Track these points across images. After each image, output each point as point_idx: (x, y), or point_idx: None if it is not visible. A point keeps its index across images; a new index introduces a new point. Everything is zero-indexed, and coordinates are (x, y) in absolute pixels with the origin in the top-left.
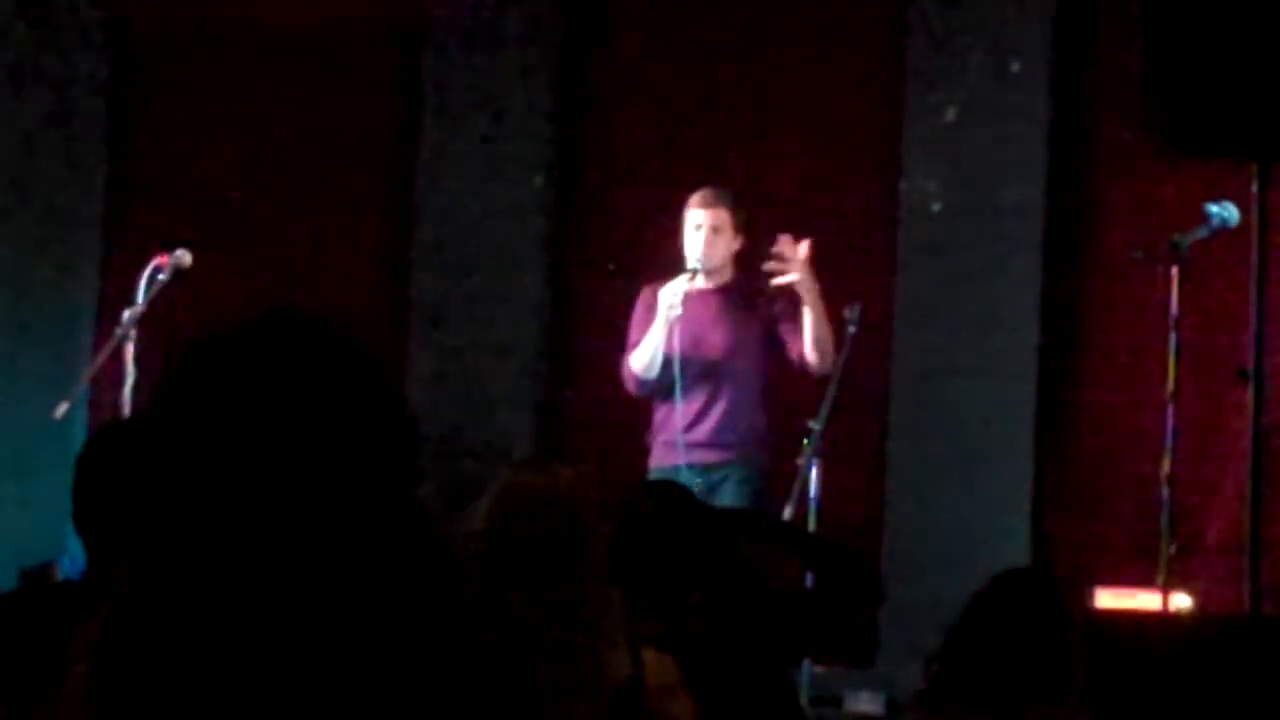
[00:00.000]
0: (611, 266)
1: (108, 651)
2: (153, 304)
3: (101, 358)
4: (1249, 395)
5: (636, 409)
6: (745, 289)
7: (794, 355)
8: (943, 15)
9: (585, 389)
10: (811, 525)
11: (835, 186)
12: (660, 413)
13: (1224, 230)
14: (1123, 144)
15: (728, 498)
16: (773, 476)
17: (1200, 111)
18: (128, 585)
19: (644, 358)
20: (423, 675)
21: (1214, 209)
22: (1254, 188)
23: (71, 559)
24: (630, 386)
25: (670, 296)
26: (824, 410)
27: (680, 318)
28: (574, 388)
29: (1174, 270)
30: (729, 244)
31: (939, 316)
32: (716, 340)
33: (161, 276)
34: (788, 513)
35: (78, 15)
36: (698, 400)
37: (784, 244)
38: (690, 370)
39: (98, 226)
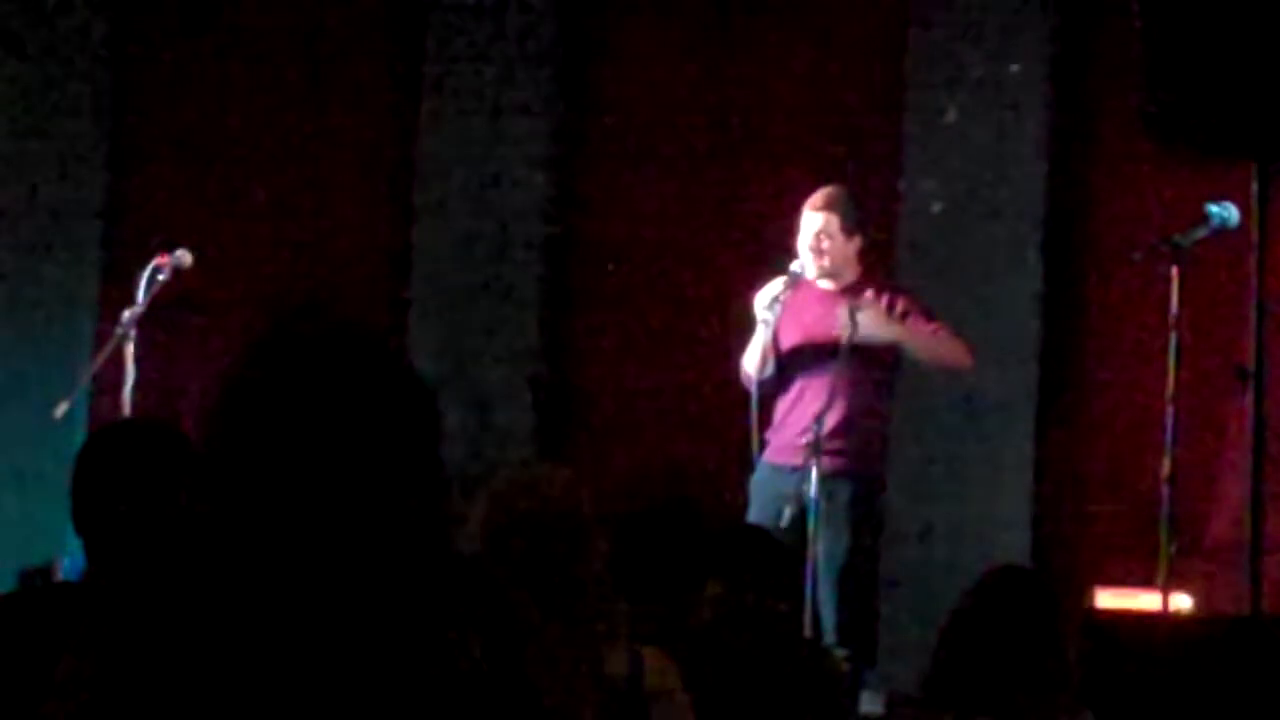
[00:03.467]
0: (611, 266)
1: (109, 649)
2: (153, 304)
3: (101, 358)
4: (1249, 395)
5: (638, 408)
6: (871, 289)
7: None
8: (943, 15)
9: (585, 389)
10: (811, 526)
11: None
12: (779, 411)
13: (1224, 230)
14: (1123, 144)
15: (840, 512)
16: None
17: (1200, 112)
18: (129, 583)
19: (752, 358)
20: (423, 677)
21: (1214, 209)
22: (1254, 188)
23: (71, 559)
24: (745, 385)
25: (764, 299)
26: (824, 410)
27: (792, 318)
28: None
29: (1174, 270)
30: (841, 248)
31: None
32: (829, 343)
33: (161, 276)
34: (787, 514)
35: (79, 15)
36: (815, 403)
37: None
38: (803, 372)
39: (98, 226)
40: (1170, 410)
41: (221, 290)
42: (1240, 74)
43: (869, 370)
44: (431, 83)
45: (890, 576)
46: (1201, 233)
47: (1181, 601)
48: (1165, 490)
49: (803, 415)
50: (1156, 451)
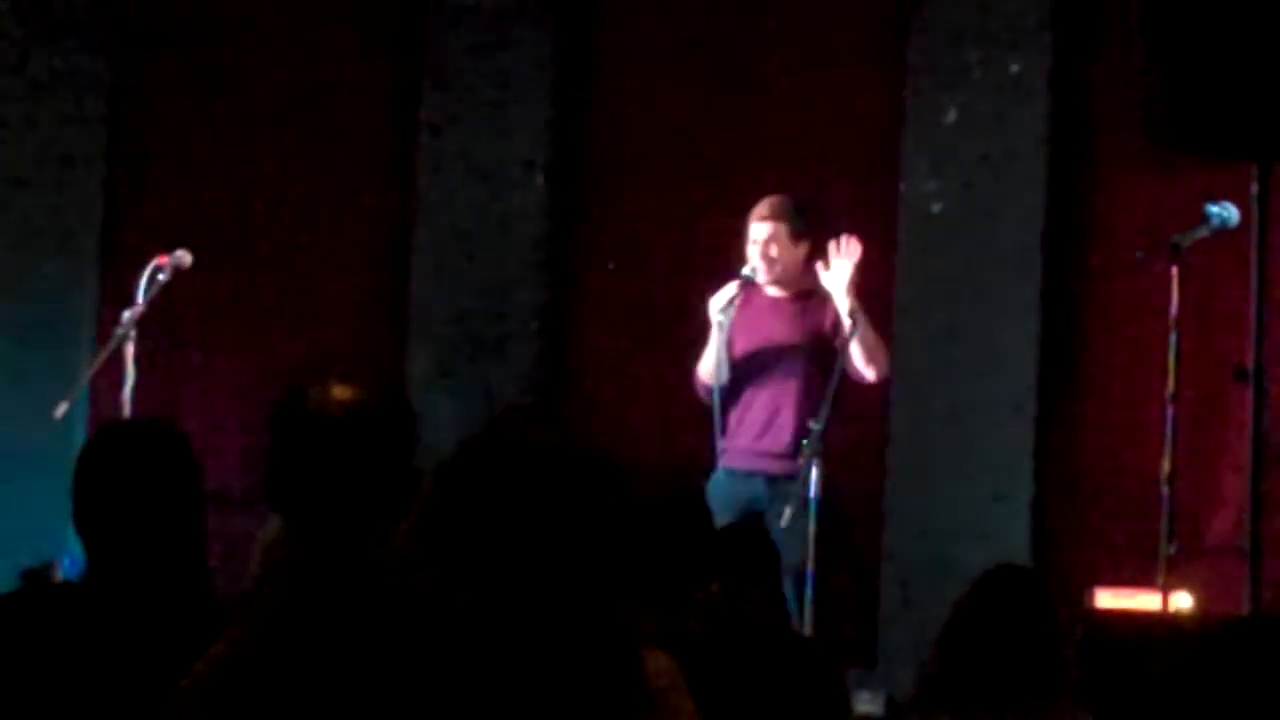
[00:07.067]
0: (612, 266)
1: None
2: (153, 304)
3: (101, 358)
4: (1249, 395)
5: (638, 409)
6: (820, 296)
7: (851, 365)
8: (943, 15)
9: (585, 389)
10: (812, 526)
11: (835, 186)
12: (730, 419)
13: (1224, 230)
14: (1123, 144)
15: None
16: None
17: (1200, 111)
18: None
19: (707, 364)
20: None
21: (1214, 209)
22: (1254, 188)
23: (71, 559)
24: (699, 393)
25: (717, 303)
26: (824, 410)
27: (743, 325)
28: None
29: (1174, 270)
30: (786, 255)
31: (939, 316)
32: (780, 349)
33: (161, 276)
34: (787, 514)
35: (78, 15)
36: (764, 409)
37: (834, 248)
38: (754, 379)
39: (98, 226)
40: (1170, 410)
41: (221, 291)
42: (1240, 74)
43: (819, 375)
44: (431, 83)
45: (890, 576)
46: (1201, 233)
47: (1181, 601)
48: (1165, 490)
49: (755, 421)
50: (1156, 451)
